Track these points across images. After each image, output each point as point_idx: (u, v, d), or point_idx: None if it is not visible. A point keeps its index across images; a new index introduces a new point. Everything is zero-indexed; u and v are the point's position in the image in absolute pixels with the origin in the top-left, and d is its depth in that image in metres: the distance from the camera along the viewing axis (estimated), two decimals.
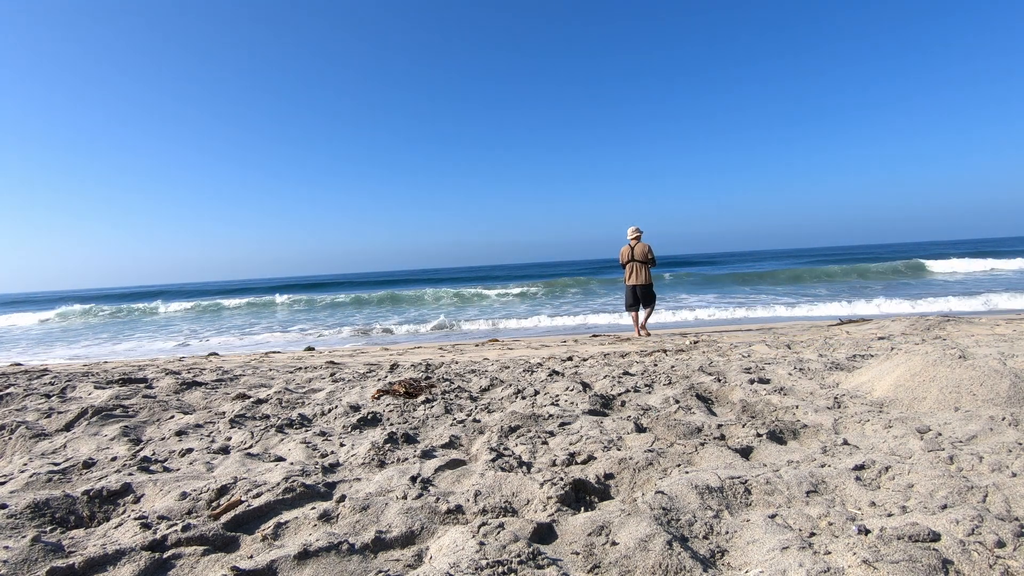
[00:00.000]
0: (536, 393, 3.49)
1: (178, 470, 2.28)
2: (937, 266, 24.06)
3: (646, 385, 3.55)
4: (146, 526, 1.66)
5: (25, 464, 2.49)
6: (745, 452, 2.21)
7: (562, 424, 2.69)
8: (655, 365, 4.61)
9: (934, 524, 1.40)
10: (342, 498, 1.82)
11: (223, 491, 1.92)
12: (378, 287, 34.26)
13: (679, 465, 2.02)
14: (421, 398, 3.37)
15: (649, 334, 8.42)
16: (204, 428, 3.01)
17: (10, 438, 2.84)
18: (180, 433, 2.90)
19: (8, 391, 4.16)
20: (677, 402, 2.96)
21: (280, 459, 2.42)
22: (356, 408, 3.28)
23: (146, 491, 2.01)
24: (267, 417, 3.18)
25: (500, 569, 1.32)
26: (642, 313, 8.46)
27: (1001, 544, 1.31)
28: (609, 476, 1.97)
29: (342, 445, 2.57)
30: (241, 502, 1.81)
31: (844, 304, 12.27)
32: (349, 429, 2.88)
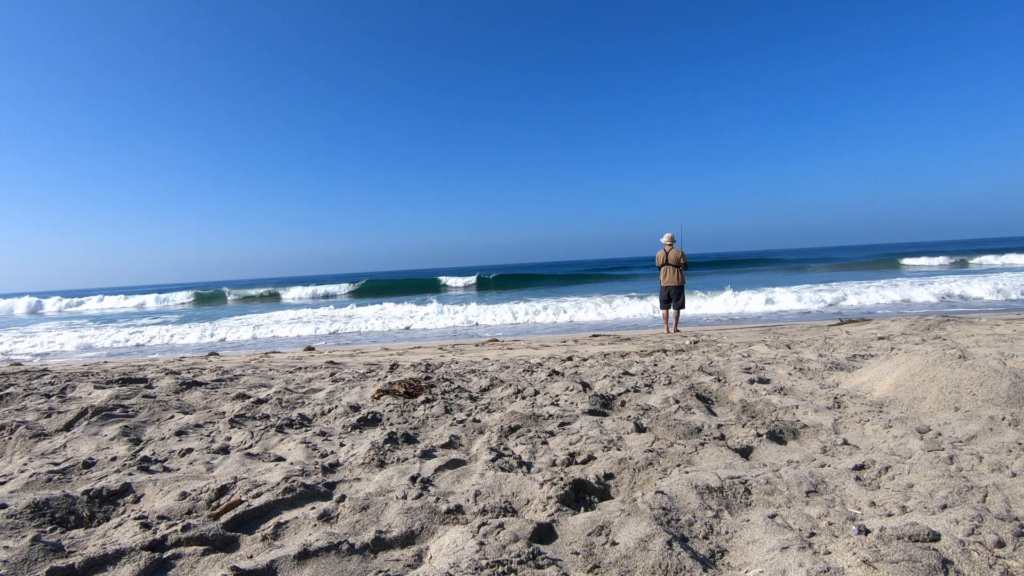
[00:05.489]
0: (536, 393, 3.49)
1: (178, 470, 2.28)
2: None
3: (646, 385, 3.55)
4: (146, 526, 1.66)
5: (25, 464, 2.49)
6: (745, 452, 2.21)
7: (562, 424, 2.69)
8: (655, 365, 4.61)
9: (934, 524, 1.40)
10: (342, 498, 1.83)
11: (223, 491, 1.92)
12: None
13: (679, 465, 2.02)
14: (421, 398, 3.37)
15: (679, 331, 9.04)
16: (204, 428, 3.01)
17: (10, 438, 2.84)
18: (180, 433, 2.90)
19: (8, 391, 4.16)
20: (677, 402, 2.96)
21: (280, 459, 2.42)
22: (356, 408, 3.28)
23: (146, 491, 2.01)
24: (267, 417, 3.18)
25: (500, 569, 1.32)
26: (673, 313, 9.27)
27: (1001, 544, 1.31)
28: (609, 476, 1.97)
29: (342, 445, 2.57)
30: (241, 502, 1.81)
31: None
32: (349, 429, 2.88)
